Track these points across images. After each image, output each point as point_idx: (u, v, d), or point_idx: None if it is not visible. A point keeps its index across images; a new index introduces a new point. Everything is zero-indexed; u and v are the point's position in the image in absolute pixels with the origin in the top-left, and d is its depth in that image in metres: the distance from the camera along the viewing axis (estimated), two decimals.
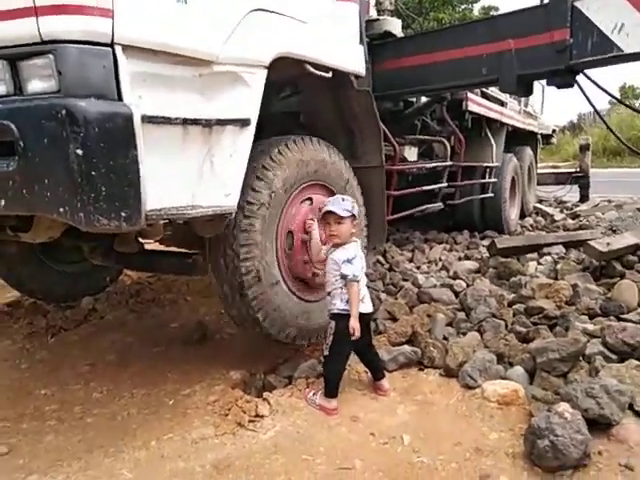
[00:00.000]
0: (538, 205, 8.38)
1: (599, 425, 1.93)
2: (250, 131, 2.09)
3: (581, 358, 2.35)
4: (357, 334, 2.15)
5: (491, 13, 17.59)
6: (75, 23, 1.55)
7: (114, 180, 1.59)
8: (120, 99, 1.63)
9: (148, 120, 1.72)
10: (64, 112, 1.49)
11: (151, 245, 2.97)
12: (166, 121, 1.81)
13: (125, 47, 1.64)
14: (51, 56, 1.53)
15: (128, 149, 1.61)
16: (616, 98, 5.19)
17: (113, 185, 1.59)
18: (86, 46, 1.56)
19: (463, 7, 17.47)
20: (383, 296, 3.64)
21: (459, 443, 1.97)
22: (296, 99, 3.31)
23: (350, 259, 2.18)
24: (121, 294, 3.96)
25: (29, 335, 3.30)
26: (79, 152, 1.51)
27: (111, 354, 2.96)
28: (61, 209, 1.56)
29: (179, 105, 1.88)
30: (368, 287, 3.66)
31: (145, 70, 1.74)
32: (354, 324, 2.15)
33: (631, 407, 2.02)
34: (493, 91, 5.89)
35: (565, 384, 2.20)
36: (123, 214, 1.63)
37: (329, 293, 2.29)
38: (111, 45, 1.60)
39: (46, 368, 2.84)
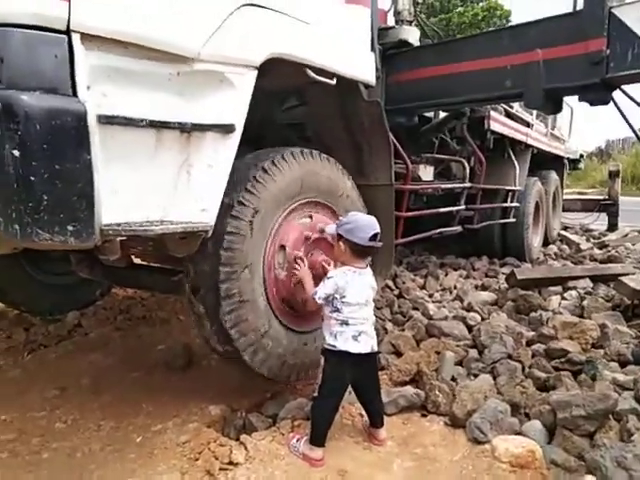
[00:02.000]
0: (563, 232, 7.96)
1: None
2: (234, 139, 1.84)
3: (610, 416, 2.02)
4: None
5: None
6: (24, 4, 1.34)
7: (60, 188, 1.36)
8: (75, 95, 1.41)
9: (110, 121, 1.49)
10: (0, 106, 1.27)
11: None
12: (134, 123, 1.57)
13: (84, 36, 1.42)
14: None
15: (79, 152, 1.38)
16: None
17: (58, 194, 1.36)
18: (35, 31, 1.34)
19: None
20: (389, 326, 3.34)
21: None
22: (301, 110, 3.08)
23: (327, 277, 1.99)
24: (110, 309, 3.73)
25: (6, 350, 3.10)
26: (15, 153, 1.28)
27: (86, 377, 2.71)
28: None
29: (152, 106, 1.65)
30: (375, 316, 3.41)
31: (110, 64, 1.52)
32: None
33: None
34: (518, 111, 5.60)
35: (591, 447, 1.87)
36: (70, 228, 1.40)
37: (323, 319, 2.07)
38: (67, 32, 1.39)
39: (14, 389, 2.60)
